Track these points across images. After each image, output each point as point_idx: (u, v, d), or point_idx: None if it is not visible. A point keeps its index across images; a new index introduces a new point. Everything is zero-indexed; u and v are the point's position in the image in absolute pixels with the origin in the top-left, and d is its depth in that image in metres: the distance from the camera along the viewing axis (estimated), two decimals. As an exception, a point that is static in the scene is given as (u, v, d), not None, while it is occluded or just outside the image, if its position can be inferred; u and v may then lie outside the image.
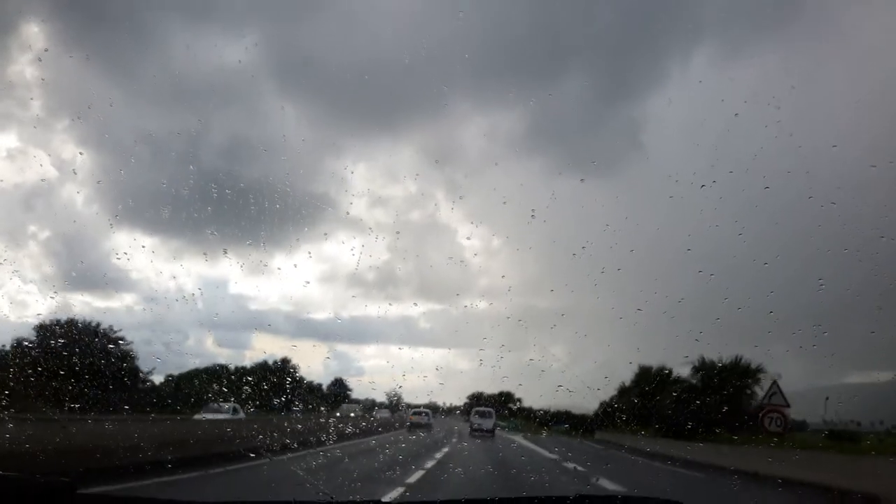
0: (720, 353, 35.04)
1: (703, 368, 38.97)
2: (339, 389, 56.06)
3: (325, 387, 58.69)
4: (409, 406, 43.65)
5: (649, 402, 36.37)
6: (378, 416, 45.91)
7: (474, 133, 55.28)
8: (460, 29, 43.03)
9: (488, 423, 40.30)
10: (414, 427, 40.17)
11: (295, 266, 47.32)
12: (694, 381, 39.82)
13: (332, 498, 2.41)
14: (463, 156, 53.19)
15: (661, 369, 39.50)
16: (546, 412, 39.77)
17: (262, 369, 42.29)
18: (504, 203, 44.15)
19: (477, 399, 51.85)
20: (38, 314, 38.52)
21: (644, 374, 40.94)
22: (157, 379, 42.32)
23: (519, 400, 49.65)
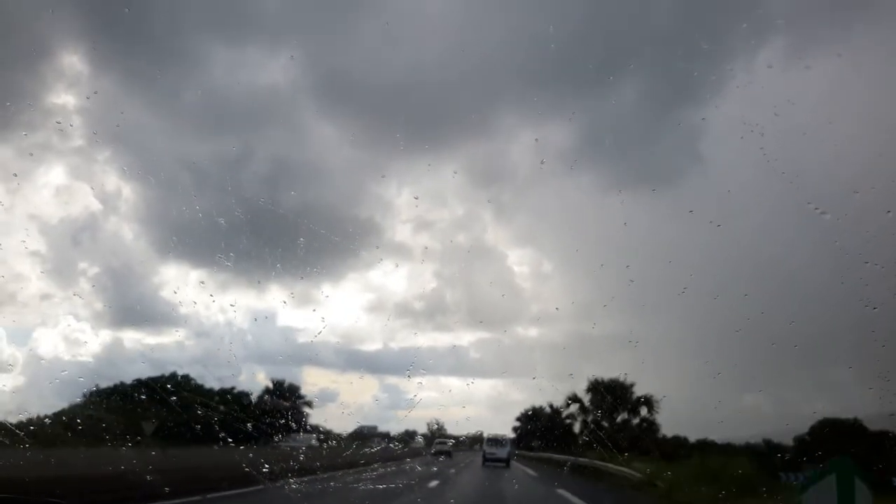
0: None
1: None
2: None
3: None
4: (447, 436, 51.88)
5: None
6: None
7: (521, 149, 53.63)
8: (506, 38, 42.22)
9: (502, 453, 37.86)
10: (437, 454, 45.80)
11: (342, 295, 47.22)
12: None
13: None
14: (510, 174, 51.38)
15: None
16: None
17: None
18: (553, 224, 42.81)
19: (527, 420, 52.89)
20: (93, 353, 38.83)
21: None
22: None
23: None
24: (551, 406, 48.95)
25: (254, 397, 44.67)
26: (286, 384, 46.40)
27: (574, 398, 44.91)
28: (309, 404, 46.95)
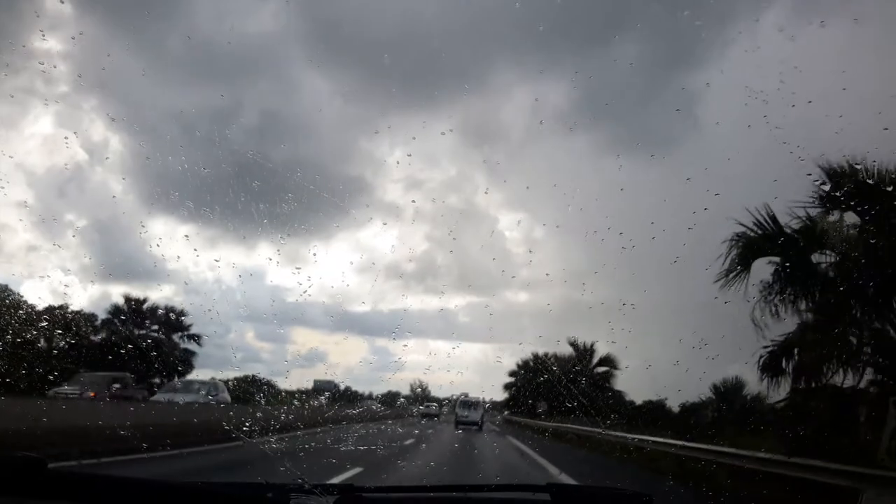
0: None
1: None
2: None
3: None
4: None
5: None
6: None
7: (517, 108, 51.90)
8: None
9: (475, 415, 37.57)
10: (424, 416, 47.64)
11: (332, 255, 46.40)
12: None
13: (304, 480, 2.44)
14: (505, 134, 49.82)
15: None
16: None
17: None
18: (547, 186, 42.07)
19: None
20: (81, 307, 37.99)
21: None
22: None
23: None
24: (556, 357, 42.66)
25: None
26: (163, 309, 40.42)
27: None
28: (196, 339, 40.93)
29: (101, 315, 39.77)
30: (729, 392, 31.01)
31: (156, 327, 41.32)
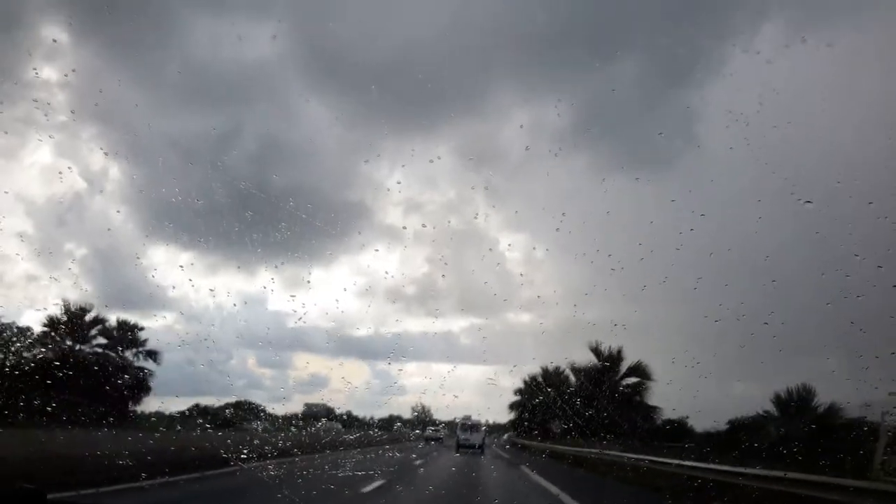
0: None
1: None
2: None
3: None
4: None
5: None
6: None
7: (515, 129, 52.66)
8: (502, 11, 41.01)
9: (477, 438, 37.24)
10: (428, 440, 47.62)
11: (332, 279, 46.36)
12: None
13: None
14: (503, 155, 49.77)
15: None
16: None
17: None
18: (546, 208, 42.20)
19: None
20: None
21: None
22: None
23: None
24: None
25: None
26: (112, 323, 33.99)
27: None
28: (153, 356, 34.83)
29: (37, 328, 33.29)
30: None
31: (102, 341, 35.55)
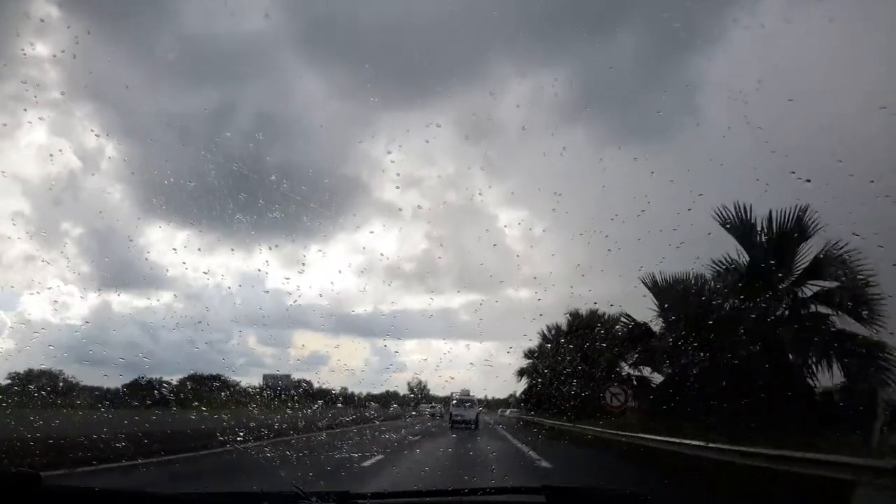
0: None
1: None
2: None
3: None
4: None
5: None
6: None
7: (515, 101, 51.51)
8: None
9: (471, 414, 35.84)
10: (432, 416, 47.53)
11: (331, 257, 46.12)
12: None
13: (299, 488, 2.44)
14: (503, 129, 49.26)
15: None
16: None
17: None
18: (542, 186, 41.64)
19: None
20: (82, 317, 36.79)
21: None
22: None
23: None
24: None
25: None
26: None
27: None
28: None
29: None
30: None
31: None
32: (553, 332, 33.13)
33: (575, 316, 29.62)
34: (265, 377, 32.03)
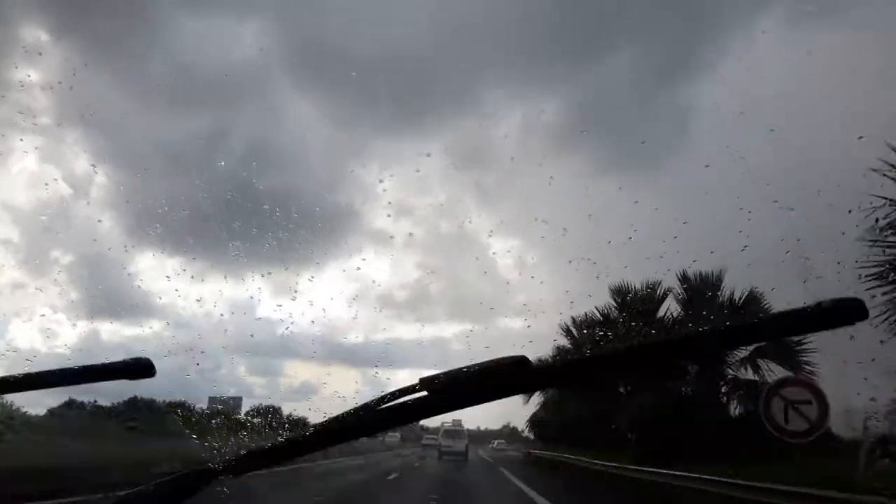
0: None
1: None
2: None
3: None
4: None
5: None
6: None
7: (507, 128, 51.98)
8: (493, 6, 40.48)
9: (460, 445, 34.83)
10: (425, 447, 45.70)
11: (323, 285, 44.76)
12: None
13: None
14: (493, 158, 49.34)
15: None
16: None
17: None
18: (538, 210, 41.72)
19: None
20: (66, 345, 35.00)
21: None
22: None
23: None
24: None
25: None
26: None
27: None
28: None
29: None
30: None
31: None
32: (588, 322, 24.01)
33: (624, 293, 22.08)
34: (210, 399, 29.02)
